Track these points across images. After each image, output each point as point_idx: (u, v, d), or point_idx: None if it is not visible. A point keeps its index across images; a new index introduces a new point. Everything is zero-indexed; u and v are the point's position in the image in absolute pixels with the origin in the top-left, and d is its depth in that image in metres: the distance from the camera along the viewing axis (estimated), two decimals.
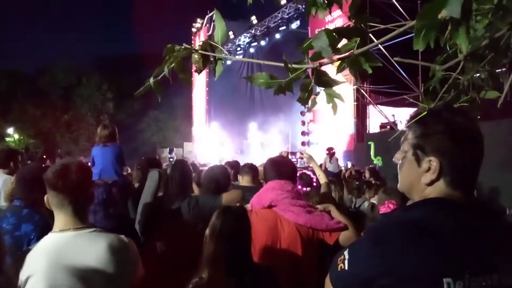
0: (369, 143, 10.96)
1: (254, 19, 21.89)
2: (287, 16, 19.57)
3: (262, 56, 21.95)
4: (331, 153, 10.52)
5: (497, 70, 1.49)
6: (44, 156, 25.84)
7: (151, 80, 1.20)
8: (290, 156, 9.55)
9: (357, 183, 5.56)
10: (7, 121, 33.40)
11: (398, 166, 1.24)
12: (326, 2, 1.24)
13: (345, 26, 1.13)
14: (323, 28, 1.05)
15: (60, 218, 1.74)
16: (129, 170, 7.69)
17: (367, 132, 14.41)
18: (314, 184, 4.01)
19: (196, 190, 3.52)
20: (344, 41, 1.14)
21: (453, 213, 1.09)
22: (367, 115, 15.25)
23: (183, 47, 1.15)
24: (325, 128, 16.23)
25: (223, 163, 4.53)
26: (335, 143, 14.15)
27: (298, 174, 3.18)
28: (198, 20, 27.21)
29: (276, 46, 20.27)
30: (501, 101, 1.40)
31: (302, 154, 3.51)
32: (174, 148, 26.18)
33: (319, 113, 16.33)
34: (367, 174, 7.09)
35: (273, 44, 20.87)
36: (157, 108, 36.36)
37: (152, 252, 2.96)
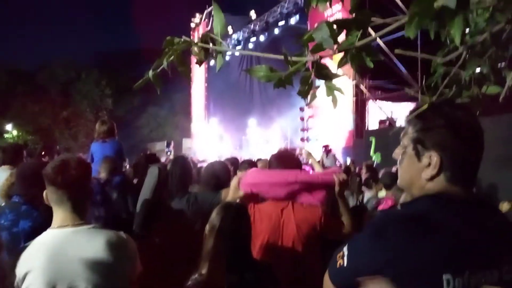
0: (370, 138, 10.97)
1: (253, 14, 21.86)
2: (286, 11, 19.53)
3: (261, 51, 21.91)
4: (327, 150, 10.68)
5: (499, 65, 1.48)
6: (43, 153, 25.84)
7: (150, 72, 1.19)
8: None
9: (365, 178, 5.57)
10: (5, 117, 33.38)
11: (398, 161, 1.23)
12: None
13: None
14: (323, 20, 1.04)
15: (59, 214, 1.73)
16: (128, 166, 7.70)
17: (366, 128, 14.41)
18: None
19: (195, 187, 3.49)
20: (344, 37, 1.13)
21: (454, 208, 1.08)
22: (366, 111, 15.25)
23: (182, 39, 1.14)
24: (324, 124, 16.24)
25: (222, 159, 4.52)
26: (334, 139, 14.18)
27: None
28: (197, 15, 27.15)
29: (275, 41, 20.23)
30: (503, 95, 1.39)
31: (301, 150, 3.51)
32: (172, 142, 26.09)
33: (318, 109, 16.34)
34: (363, 170, 7.11)
35: (272, 39, 20.83)
36: (156, 104, 36.36)
37: (150, 248, 2.96)
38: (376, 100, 14.79)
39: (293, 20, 19.26)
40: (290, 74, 1.10)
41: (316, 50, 1.09)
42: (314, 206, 2.47)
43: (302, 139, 17.79)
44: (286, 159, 2.63)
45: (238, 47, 23.29)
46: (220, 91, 25.43)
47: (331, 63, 1.26)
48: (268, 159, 2.73)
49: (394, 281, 1.02)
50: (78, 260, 1.63)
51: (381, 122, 13.76)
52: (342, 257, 1.15)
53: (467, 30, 1.40)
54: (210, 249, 1.92)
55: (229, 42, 22.80)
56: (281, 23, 19.95)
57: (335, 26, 1.04)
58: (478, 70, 1.47)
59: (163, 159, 10.33)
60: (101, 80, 37.09)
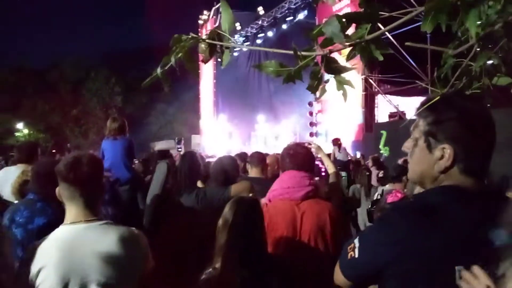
0: (381, 132, 10.90)
1: (261, 10, 21.76)
2: (294, 6, 19.41)
3: (269, 47, 21.74)
4: (338, 143, 10.59)
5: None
6: (54, 151, 26.08)
7: (158, 70, 1.19)
8: None
9: (376, 173, 5.57)
10: (16, 116, 33.71)
11: (408, 154, 1.22)
12: None
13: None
14: (333, 15, 1.03)
15: (72, 211, 1.75)
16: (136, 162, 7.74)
17: (376, 121, 14.31)
18: (323, 174, 4.00)
19: (199, 183, 3.47)
20: (353, 30, 1.12)
21: (469, 200, 1.07)
22: (376, 105, 15.14)
23: (190, 36, 1.14)
24: (333, 119, 16.16)
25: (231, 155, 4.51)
26: (344, 133, 14.09)
27: None
28: (205, 12, 27.09)
29: (283, 37, 20.13)
30: None
31: (310, 144, 3.48)
32: (182, 138, 26.08)
33: (327, 103, 16.26)
34: (370, 163, 7.09)
35: (281, 34, 20.71)
36: (165, 101, 36.47)
37: (159, 243, 2.98)
38: (385, 94, 14.67)
39: (301, 15, 19.15)
40: (299, 69, 1.10)
41: (326, 45, 1.08)
42: (325, 202, 2.46)
43: (311, 134, 17.73)
44: (300, 157, 2.54)
45: (246, 44, 23.23)
46: (229, 87, 25.39)
47: (340, 58, 1.26)
48: (281, 154, 2.68)
49: (406, 274, 1.02)
50: (91, 255, 1.65)
51: (391, 115, 13.65)
52: (354, 249, 1.15)
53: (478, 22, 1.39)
54: (223, 243, 1.92)
55: (237, 39, 22.75)
56: (289, 18, 19.84)
57: (345, 20, 1.03)
58: (489, 61, 1.46)
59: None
60: (110, 78, 37.31)
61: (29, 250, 1.72)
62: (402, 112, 13.48)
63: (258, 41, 22.85)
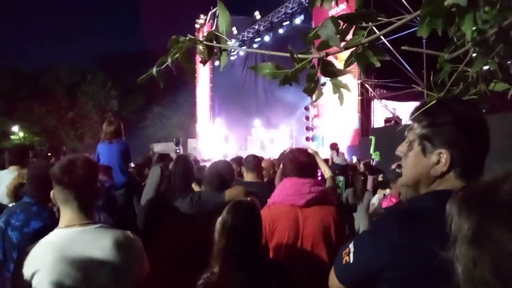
0: (370, 137, 10.93)
1: (257, 15, 21.80)
2: (290, 11, 19.46)
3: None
4: (336, 148, 10.61)
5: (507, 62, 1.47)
6: (49, 154, 25.94)
7: (154, 69, 1.19)
8: None
9: (381, 176, 5.57)
10: (12, 119, 33.58)
11: (402, 158, 1.22)
12: None
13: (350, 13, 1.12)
14: (329, 17, 1.03)
15: (66, 214, 1.73)
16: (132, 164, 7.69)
17: (372, 126, 14.35)
18: (319, 178, 3.99)
19: (195, 187, 3.46)
20: (351, 36, 1.12)
21: None
22: (372, 110, 15.19)
23: (187, 38, 1.14)
24: (330, 123, 16.19)
25: (227, 159, 4.50)
26: (340, 137, 14.11)
27: None
28: (202, 16, 27.11)
29: (280, 41, 20.14)
30: (511, 92, 1.38)
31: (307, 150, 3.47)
32: (181, 140, 25.98)
33: (323, 108, 16.29)
34: (361, 168, 7.11)
35: (277, 39, 20.75)
36: (161, 105, 36.43)
37: (154, 247, 2.95)
38: (381, 99, 14.72)
39: (298, 20, 19.18)
40: (296, 71, 1.10)
41: (322, 48, 1.08)
42: (327, 206, 2.45)
43: (307, 139, 17.74)
44: (302, 164, 2.51)
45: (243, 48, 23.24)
46: (225, 91, 25.39)
47: (337, 63, 1.26)
48: (282, 160, 2.64)
49: (401, 279, 1.02)
50: (85, 259, 1.63)
51: (387, 120, 13.70)
52: (349, 254, 1.15)
53: (474, 27, 1.39)
54: (221, 247, 1.91)
55: (234, 43, 22.79)
56: (286, 23, 19.89)
57: (340, 22, 1.03)
58: (485, 67, 1.47)
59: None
60: (106, 81, 37.23)
61: (24, 253, 1.71)
62: (397, 116, 13.53)
63: (255, 46, 22.84)
